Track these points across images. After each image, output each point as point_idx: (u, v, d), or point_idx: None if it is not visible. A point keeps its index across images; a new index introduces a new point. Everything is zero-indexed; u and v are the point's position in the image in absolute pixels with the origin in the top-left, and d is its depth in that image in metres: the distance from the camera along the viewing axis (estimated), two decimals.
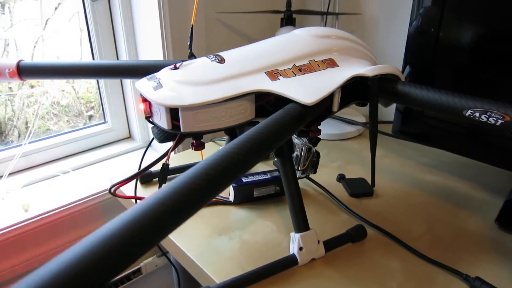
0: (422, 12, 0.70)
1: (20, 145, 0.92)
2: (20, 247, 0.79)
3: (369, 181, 0.71)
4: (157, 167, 0.62)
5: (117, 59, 1.00)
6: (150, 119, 0.50)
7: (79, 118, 1.02)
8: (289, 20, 0.92)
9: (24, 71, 0.68)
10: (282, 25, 0.94)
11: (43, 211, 0.80)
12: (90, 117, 1.04)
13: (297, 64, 0.51)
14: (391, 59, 0.97)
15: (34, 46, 0.92)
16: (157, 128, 0.51)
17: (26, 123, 0.94)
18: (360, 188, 0.69)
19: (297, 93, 0.46)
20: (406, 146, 0.86)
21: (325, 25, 0.97)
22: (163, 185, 0.54)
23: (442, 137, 0.72)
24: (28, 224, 0.78)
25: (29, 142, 0.92)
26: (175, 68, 0.49)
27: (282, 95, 0.46)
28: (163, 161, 0.50)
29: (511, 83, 0.61)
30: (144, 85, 0.48)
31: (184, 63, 0.50)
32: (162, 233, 0.28)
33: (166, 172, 0.51)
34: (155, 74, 0.50)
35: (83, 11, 0.93)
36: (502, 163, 0.66)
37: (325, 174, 0.74)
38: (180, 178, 0.31)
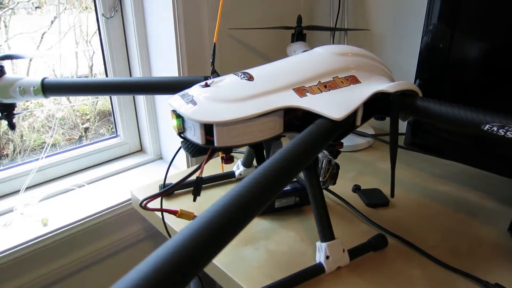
0: (432, 28, 0.73)
1: (37, 159, 0.93)
2: (40, 261, 0.80)
3: (384, 191, 0.74)
4: (172, 178, 0.64)
5: (130, 75, 1.02)
6: (182, 135, 0.52)
7: (75, 130, 1.03)
8: (300, 35, 0.95)
9: (48, 89, 0.70)
10: (292, 41, 0.97)
11: (62, 224, 0.82)
12: (86, 129, 1.05)
13: (322, 81, 0.54)
14: (399, 74, 1.00)
15: (30, 60, 0.93)
16: (188, 143, 0.53)
17: (22, 137, 0.95)
18: (376, 199, 0.71)
19: (325, 108, 0.48)
20: (416, 157, 0.89)
21: (333, 41, 1.01)
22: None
23: (452, 149, 0.75)
24: (47, 238, 0.80)
25: (46, 157, 0.94)
26: (206, 85, 0.52)
27: (312, 111, 0.49)
28: (196, 174, 0.52)
29: None
30: (177, 101, 0.51)
31: (215, 80, 0.53)
32: (223, 242, 0.30)
33: (200, 186, 0.53)
34: (186, 91, 0.52)
35: (92, 24, 0.96)
36: (510, 173, 0.68)
37: (341, 185, 0.76)
38: (233, 190, 0.33)
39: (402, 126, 0.87)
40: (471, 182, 0.79)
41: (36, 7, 0.91)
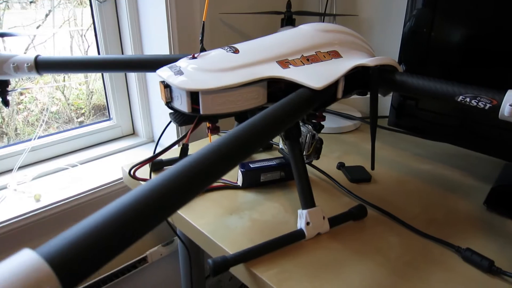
0: (415, 13, 0.76)
1: (29, 140, 0.95)
2: (33, 235, 0.82)
3: (368, 168, 0.76)
4: (167, 155, 0.66)
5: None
6: (170, 104, 0.54)
7: (69, 124, 1.04)
8: (289, 20, 0.97)
9: (42, 65, 0.71)
10: (282, 25, 0.99)
11: (55, 200, 0.84)
12: (81, 123, 1.06)
13: (305, 54, 0.56)
14: None
15: (25, 53, 0.94)
16: (175, 113, 0.55)
17: (16, 130, 0.96)
18: (359, 174, 0.74)
19: (306, 79, 0.51)
20: (400, 138, 0.91)
21: None
22: None
23: (434, 129, 0.78)
24: (40, 213, 0.82)
25: (38, 137, 0.96)
26: (194, 57, 0.54)
27: (293, 81, 0.51)
28: (182, 142, 0.54)
29: (497, 79, 0.67)
30: (165, 72, 0.53)
31: (201, 54, 0.55)
32: (188, 196, 0.32)
33: (186, 152, 0.55)
34: (175, 63, 0.54)
35: (87, 17, 0.97)
36: (490, 151, 0.71)
37: (326, 163, 0.79)
38: (207, 146, 0.35)
39: (386, 108, 0.90)
40: (452, 161, 0.82)
41: (30, 2, 0.92)
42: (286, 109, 0.43)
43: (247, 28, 1.08)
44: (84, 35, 1.01)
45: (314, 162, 0.75)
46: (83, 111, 1.07)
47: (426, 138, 0.83)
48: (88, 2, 0.96)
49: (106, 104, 1.08)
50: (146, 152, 1.06)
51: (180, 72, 0.51)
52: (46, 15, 0.94)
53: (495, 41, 0.66)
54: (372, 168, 0.62)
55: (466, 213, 0.65)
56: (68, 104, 1.04)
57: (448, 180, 0.75)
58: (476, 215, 0.65)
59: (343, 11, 1.06)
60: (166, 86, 0.53)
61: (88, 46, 1.02)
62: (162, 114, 1.04)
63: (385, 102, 0.94)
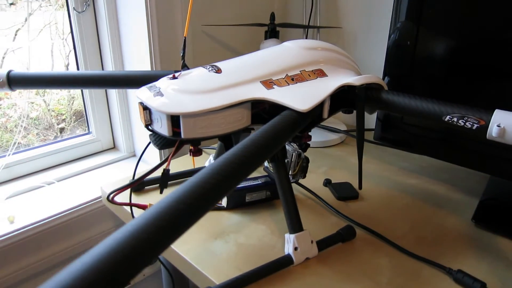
0: (399, 26, 0.75)
1: (3, 156, 0.91)
2: (6, 259, 0.78)
3: (354, 185, 0.75)
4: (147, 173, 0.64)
5: (102, 69, 1.01)
6: (150, 127, 0.52)
7: (50, 131, 1.01)
8: (273, 32, 0.96)
9: (14, 81, 0.68)
10: (266, 38, 0.97)
11: (30, 222, 0.80)
12: (62, 130, 1.03)
13: (290, 74, 0.54)
14: (370, 71, 1.02)
15: (3, 57, 0.91)
16: (156, 135, 0.52)
17: None
18: (346, 192, 0.72)
19: (292, 100, 0.49)
20: (386, 152, 0.90)
21: (306, 38, 1.02)
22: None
23: (420, 143, 0.77)
24: (14, 235, 0.78)
25: (13, 153, 0.91)
26: (174, 77, 0.51)
27: (278, 102, 0.49)
28: (163, 167, 0.52)
29: (482, 92, 0.67)
30: (144, 93, 0.50)
31: (182, 72, 0.53)
32: (178, 232, 0.30)
33: (167, 178, 0.52)
34: (154, 83, 0.52)
35: (68, 22, 0.94)
36: (475, 165, 0.71)
37: (312, 180, 0.77)
38: (191, 180, 0.33)
39: (372, 121, 0.89)
40: (439, 175, 0.81)
41: (10, 4, 0.89)
42: (271, 135, 0.41)
43: (230, 40, 1.06)
44: (65, 39, 0.98)
45: (300, 180, 0.73)
46: (64, 117, 1.03)
47: (412, 152, 0.83)
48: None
49: (85, 117, 1.05)
50: (128, 167, 1.02)
51: (160, 94, 0.49)
52: (26, 19, 0.90)
53: (480, 54, 0.66)
54: (360, 187, 0.60)
55: (455, 230, 0.64)
56: (49, 110, 1.00)
57: (435, 195, 0.75)
58: (465, 231, 0.64)
59: (327, 23, 1.05)
60: (145, 108, 0.50)
61: (70, 51, 0.99)
62: (143, 128, 1.01)
63: (372, 115, 0.93)
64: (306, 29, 1.01)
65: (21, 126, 0.91)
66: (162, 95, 0.49)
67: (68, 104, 1.03)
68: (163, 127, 0.49)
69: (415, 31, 0.72)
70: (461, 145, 0.72)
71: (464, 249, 0.60)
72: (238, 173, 0.36)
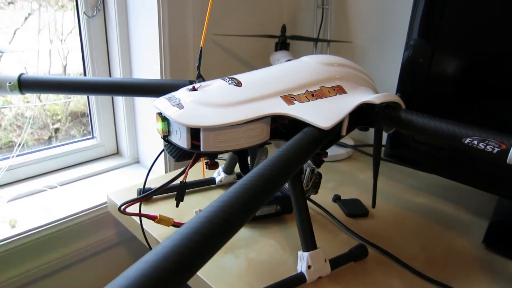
0: (412, 43, 0.75)
1: (7, 158, 0.89)
2: (7, 264, 0.76)
3: (364, 201, 0.74)
4: (153, 180, 0.63)
5: (110, 76, 1.00)
6: (167, 138, 0.51)
7: (44, 130, 0.99)
8: (283, 45, 0.96)
9: (25, 85, 0.67)
10: (276, 49, 0.97)
11: (31, 227, 0.78)
12: (56, 130, 1.02)
13: (310, 89, 0.54)
14: (380, 86, 1.01)
15: (1, 56, 0.89)
16: (172, 147, 0.52)
17: None
18: (355, 209, 0.72)
19: (313, 117, 0.48)
20: (394, 169, 0.90)
21: (315, 51, 1.02)
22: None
23: (429, 161, 0.77)
24: (15, 240, 0.76)
25: (17, 156, 0.90)
26: (194, 89, 0.51)
27: (300, 119, 0.49)
28: (179, 179, 0.51)
29: (497, 113, 0.67)
30: (163, 104, 0.50)
31: (202, 84, 0.52)
32: (209, 253, 0.29)
33: (183, 191, 0.52)
34: (173, 94, 0.51)
35: (68, 23, 0.93)
36: (484, 186, 0.71)
37: (321, 195, 0.76)
38: (221, 198, 0.32)
39: (383, 137, 0.89)
40: (447, 194, 0.81)
41: (9, 3, 0.88)
42: (297, 154, 0.41)
43: (240, 51, 1.05)
44: (64, 40, 0.97)
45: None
46: (59, 117, 1.02)
47: (420, 170, 0.82)
48: (72, 7, 0.91)
49: (89, 122, 1.04)
50: (131, 174, 1.01)
51: (180, 105, 0.48)
52: (26, 18, 0.89)
53: (495, 75, 0.66)
54: (373, 206, 0.60)
55: (465, 252, 0.64)
56: (44, 109, 0.99)
57: (443, 214, 0.74)
58: (476, 254, 0.63)
59: (337, 37, 1.05)
60: (164, 118, 0.49)
61: (68, 52, 0.97)
62: (148, 134, 1.00)
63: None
64: (316, 42, 1.01)
65: (25, 129, 0.90)
66: (182, 106, 0.48)
67: (64, 105, 1.02)
68: (181, 139, 0.48)
69: (429, 49, 0.72)
70: (470, 165, 0.72)
71: (476, 272, 0.59)
72: (265, 193, 0.36)
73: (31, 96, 0.95)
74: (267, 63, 0.99)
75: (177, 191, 0.52)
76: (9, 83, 0.66)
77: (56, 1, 0.92)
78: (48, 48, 0.93)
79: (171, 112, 0.48)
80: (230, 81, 0.52)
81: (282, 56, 0.93)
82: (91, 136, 1.05)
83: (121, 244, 0.95)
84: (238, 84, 0.52)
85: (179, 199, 0.52)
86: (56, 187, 0.92)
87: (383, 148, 0.81)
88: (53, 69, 0.97)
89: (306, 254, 0.53)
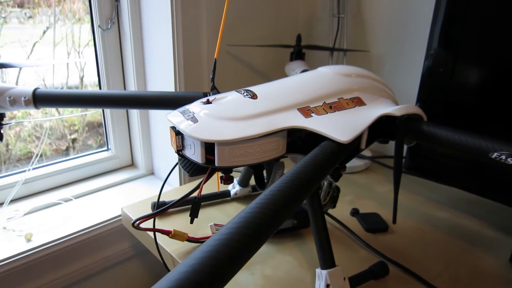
0: (432, 53, 0.73)
1: (23, 171, 0.90)
2: (23, 278, 0.76)
3: (383, 216, 0.72)
4: (167, 193, 0.62)
5: (124, 88, 1.00)
6: (181, 152, 0.50)
7: (62, 141, 1.00)
8: (299, 54, 0.95)
9: (40, 99, 0.67)
10: (291, 59, 0.96)
11: (47, 240, 0.78)
12: (74, 140, 1.02)
13: (327, 101, 0.52)
14: (398, 96, 0.99)
15: (20, 69, 0.90)
16: (186, 161, 0.50)
17: (7, 145, 0.91)
18: (375, 223, 0.69)
19: (332, 131, 0.47)
20: (414, 181, 0.87)
21: (331, 61, 1.00)
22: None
23: (450, 174, 0.74)
24: (31, 254, 0.76)
25: (33, 169, 0.90)
26: (208, 102, 0.50)
27: (318, 132, 0.47)
28: (195, 194, 0.50)
29: None
30: (177, 118, 0.49)
31: (217, 97, 0.51)
32: (233, 270, 0.28)
33: (198, 207, 0.50)
34: (187, 107, 0.50)
35: (85, 36, 0.94)
36: (509, 201, 0.67)
37: (339, 208, 0.74)
38: (242, 214, 0.31)
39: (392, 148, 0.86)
40: (470, 209, 0.78)
41: (28, 17, 0.89)
42: (316, 169, 0.39)
43: (254, 61, 1.05)
44: (81, 52, 0.97)
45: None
46: (76, 127, 1.03)
47: (443, 183, 0.79)
48: (88, 20, 0.92)
49: (104, 134, 1.04)
50: (146, 186, 1.01)
51: (194, 119, 0.47)
52: (44, 32, 0.90)
53: None
54: (394, 222, 0.57)
55: (492, 272, 0.61)
56: (62, 120, 1.00)
57: (467, 230, 0.71)
58: (503, 274, 0.60)
59: (354, 46, 1.03)
60: (178, 133, 0.48)
61: (85, 63, 0.98)
62: (163, 146, 0.99)
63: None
64: (332, 52, 1.00)
65: (41, 139, 0.90)
66: (196, 120, 0.47)
67: (81, 115, 1.02)
68: (195, 154, 0.47)
69: (450, 58, 0.70)
70: (493, 178, 0.69)
71: None
72: (286, 209, 0.34)
73: (49, 108, 0.96)
74: (282, 73, 0.98)
75: (191, 207, 0.50)
76: (24, 97, 0.66)
77: (73, 14, 0.93)
78: (65, 62, 0.94)
79: (185, 126, 0.47)
80: (245, 94, 0.51)
81: (297, 66, 0.92)
82: (106, 148, 1.05)
83: (136, 257, 0.95)
84: (254, 96, 0.51)
85: (193, 216, 0.51)
86: (71, 199, 0.92)
87: (403, 160, 0.79)
88: (70, 80, 0.98)
89: (324, 272, 0.51)
